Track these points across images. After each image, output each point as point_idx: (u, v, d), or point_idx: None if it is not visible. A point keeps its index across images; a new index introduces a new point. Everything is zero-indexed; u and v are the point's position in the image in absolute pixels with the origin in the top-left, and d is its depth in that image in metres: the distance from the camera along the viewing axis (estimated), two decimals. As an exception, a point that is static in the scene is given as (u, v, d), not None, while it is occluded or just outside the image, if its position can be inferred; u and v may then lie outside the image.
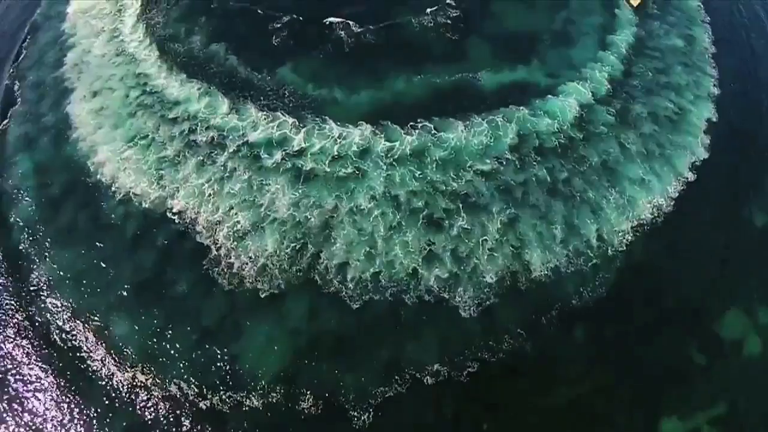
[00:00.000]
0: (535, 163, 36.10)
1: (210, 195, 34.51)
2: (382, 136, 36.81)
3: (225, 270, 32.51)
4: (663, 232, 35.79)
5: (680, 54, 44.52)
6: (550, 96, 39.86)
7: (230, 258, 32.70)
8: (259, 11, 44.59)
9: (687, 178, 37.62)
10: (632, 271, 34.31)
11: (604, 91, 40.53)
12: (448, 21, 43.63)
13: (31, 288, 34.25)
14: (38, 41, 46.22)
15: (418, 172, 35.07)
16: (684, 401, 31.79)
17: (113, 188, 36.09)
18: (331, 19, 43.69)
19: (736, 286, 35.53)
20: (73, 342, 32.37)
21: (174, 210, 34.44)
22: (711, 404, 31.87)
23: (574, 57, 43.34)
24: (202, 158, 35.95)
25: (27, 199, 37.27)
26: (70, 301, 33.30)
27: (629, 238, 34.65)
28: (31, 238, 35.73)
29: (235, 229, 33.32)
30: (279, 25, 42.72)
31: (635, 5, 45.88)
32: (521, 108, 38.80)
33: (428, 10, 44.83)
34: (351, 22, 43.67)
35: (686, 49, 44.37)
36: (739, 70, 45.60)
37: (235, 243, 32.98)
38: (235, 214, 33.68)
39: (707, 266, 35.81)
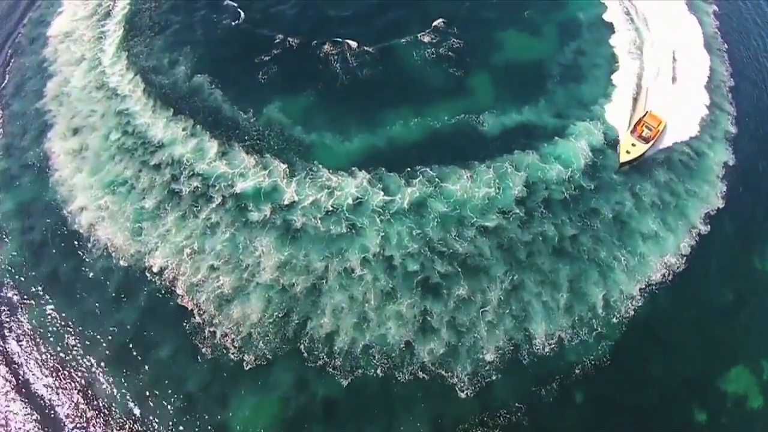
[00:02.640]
0: (543, 219, 31.82)
1: (190, 254, 30.54)
2: (379, 186, 32.54)
3: (208, 338, 28.79)
4: (671, 291, 31.66)
5: (697, 88, 39.65)
6: (558, 138, 35.33)
7: (212, 326, 28.92)
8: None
9: (700, 231, 33.27)
10: (638, 333, 30.44)
11: (617, 132, 36.04)
12: (450, 53, 38.77)
13: (13, 338, 30.73)
14: (21, 66, 41.68)
15: (417, 230, 30.88)
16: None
17: (92, 239, 32.17)
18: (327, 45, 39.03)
19: (741, 342, 31.60)
20: (53, 401, 28.89)
21: (153, 269, 30.52)
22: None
23: (585, 93, 38.58)
24: (183, 212, 31.83)
25: (10, 241, 33.46)
26: (51, 356, 29.75)
27: (637, 303, 30.49)
28: (14, 284, 31.96)
29: (216, 293, 29.46)
30: (267, 59, 37.96)
31: (622, 161, 34.31)
32: (529, 152, 34.44)
33: (428, 39, 39.89)
34: (349, 45, 38.87)
35: (705, 84, 39.24)
36: (757, 104, 40.59)
37: (218, 309, 29.15)
38: (217, 277, 29.78)
39: (714, 323, 31.81)
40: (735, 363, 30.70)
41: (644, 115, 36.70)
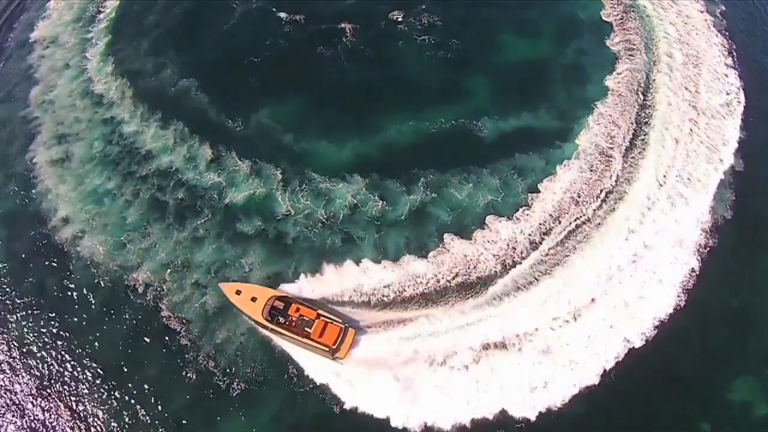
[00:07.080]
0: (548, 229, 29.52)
1: (175, 271, 28.23)
2: (376, 195, 30.36)
3: (192, 358, 26.48)
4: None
5: (707, 92, 36.96)
6: (560, 142, 32.99)
7: (197, 347, 26.54)
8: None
9: (708, 243, 30.68)
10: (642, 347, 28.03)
11: (620, 133, 33.61)
12: (450, 55, 36.28)
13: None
14: (8, 71, 39.39)
15: (414, 243, 28.57)
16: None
17: (76, 254, 29.89)
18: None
19: (747, 351, 29.27)
20: (32, 419, 26.79)
21: (137, 286, 28.25)
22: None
23: (587, 91, 35.99)
24: (168, 224, 29.61)
25: (-3, 250, 31.56)
26: (37, 372, 27.63)
27: (644, 316, 28.41)
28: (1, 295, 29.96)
29: (201, 310, 27.18)
30: (257, 61, 35.52)
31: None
32: (532, 154, 32.21)
33: (425, 39, 37.29)
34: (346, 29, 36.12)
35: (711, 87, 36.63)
36: (765, 108, 37.90)
37: (203, 328, 26.82)
38: (203, 294, 27.49)
39: (719, 334, 29.42)
40: (740, 373, 28.46)
41: (321, 311, 25.43)
